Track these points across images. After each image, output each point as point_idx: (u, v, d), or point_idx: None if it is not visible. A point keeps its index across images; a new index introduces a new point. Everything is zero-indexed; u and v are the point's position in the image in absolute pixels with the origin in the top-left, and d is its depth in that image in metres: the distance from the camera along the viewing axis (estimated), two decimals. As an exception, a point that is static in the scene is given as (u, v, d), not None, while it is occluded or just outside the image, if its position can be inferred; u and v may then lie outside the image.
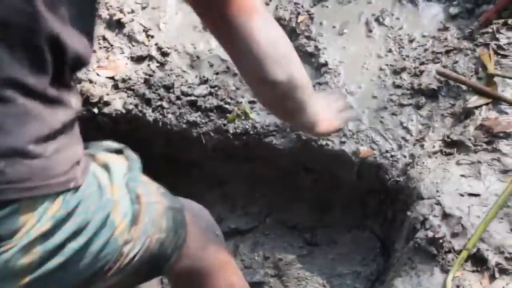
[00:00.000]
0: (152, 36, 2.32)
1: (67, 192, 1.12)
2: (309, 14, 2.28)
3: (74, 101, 1.14)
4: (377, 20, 2.27)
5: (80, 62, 1.13)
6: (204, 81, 2.20)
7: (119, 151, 1.36)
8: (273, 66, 1.23)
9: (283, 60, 1.26)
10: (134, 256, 1.29)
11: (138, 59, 2.27)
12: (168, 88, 2.19)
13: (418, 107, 2.05)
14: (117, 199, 1.23)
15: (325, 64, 2.18)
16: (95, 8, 1.18)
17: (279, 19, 2.23)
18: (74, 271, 1.17)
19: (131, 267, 1.30)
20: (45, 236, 1.10)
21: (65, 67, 1.09)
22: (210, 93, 2.17)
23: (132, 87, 2.20)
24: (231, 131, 2.11)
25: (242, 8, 1.17)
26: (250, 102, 2.14)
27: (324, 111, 1.53)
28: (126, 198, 1.26)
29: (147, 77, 2.22)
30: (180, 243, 1.45)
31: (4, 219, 1.05)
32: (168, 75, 2.22)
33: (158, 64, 2.26)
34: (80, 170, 1.15)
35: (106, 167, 1.28)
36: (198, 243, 1.52)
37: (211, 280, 1.56)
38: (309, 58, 2.21)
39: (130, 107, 2.18)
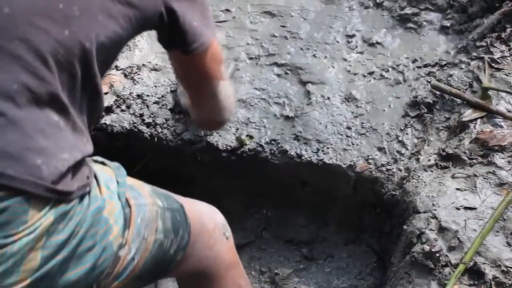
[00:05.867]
0: (143, 50, 2.33)
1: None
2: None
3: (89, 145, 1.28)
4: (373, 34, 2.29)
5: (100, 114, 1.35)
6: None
7: (102, 163, 1.40)
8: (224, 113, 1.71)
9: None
10: (132, 259, 1.32)
11: (131, 74, 2.28)
12: (161, 103, 2.20)
13: (413, 120, 2.05)
14: (106, 197, 1.27)
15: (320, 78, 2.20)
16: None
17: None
18: (74, 274, 1.19)
19: (132, 270, 1.33)
20: (50, 231, 1.13)
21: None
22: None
23: (126, 103, 2.20)
24: (226, 148, 2.12)
25: (213, 78, 1.60)
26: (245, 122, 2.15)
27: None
28: (117, 204, 1.30)
29: (140, 92, 2.22)
30: (184, 244, 1.46)
31: (14, 208, 1.09)
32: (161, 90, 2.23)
33: (152, 80, 2.26)
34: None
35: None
36: (205, 243, 1.53)
37: (217, 281, 1.58)
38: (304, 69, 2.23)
39: (125, 123, 2.18)
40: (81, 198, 1.20)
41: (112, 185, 1.32)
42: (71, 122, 1.20)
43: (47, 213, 1.12)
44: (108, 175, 1.34)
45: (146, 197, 1.39)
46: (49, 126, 1.15)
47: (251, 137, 2.12)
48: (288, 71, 2.25)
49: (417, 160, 1.95)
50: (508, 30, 2.11)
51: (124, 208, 1.31)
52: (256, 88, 2.23)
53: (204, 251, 1.53)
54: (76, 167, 1.19)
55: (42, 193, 1.10)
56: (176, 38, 1.43)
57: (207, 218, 1.57)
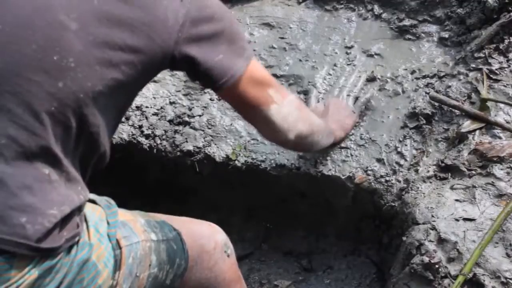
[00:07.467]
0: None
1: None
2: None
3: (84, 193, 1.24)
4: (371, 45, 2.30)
5: (102, 161, 1.32)
6: (198, 109, 2.20)
7: (93, 201, 1.37)
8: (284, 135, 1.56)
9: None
10: None
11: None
12: (160, 115, 2.20)
13: (412, 132, 2.05)
14: (94, 242, 1.25)
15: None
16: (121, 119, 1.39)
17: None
18: None
19: None
20: (35, 286, 1.12)
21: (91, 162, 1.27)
22: (205, 122, 2.18)
23: (125, 114, 2.20)
24: (225, 160, 2.11)
25: (258, 106, 1.46)
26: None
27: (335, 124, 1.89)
28: (107, 246, 1.27)
29: (139, 104, 2.22)
30: (181, 271, 1.44)
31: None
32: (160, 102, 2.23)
33: (151, 91, 2.27)
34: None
35: None
36: (205, 265, 1.51)
37: None
38: (303, 80, 2.23)
39: (124, 134, 2.18)
40: (69, 248, 1.18)
41: (101, 228, 1.29)
42: (64, 173, 1.18)
43: (31, 270, 1.11)
44: (98, 215, 1.31)
45: (139, 233, 1.36)
46: (38, 180, 1.12)
47: (245, 148, 2.12)
48: (287, 83, 2.25)
49: (416, 171, 1.95)
50: (506, 41, 2.11)
51: (114, 250, 1.29)
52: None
53: (204, 273, 1.51)
54: (65, 220, 1.16)
55: (26, 252, 1.09)
56: (200, 77, 1.35)
57: (206, 239, 1.54)
